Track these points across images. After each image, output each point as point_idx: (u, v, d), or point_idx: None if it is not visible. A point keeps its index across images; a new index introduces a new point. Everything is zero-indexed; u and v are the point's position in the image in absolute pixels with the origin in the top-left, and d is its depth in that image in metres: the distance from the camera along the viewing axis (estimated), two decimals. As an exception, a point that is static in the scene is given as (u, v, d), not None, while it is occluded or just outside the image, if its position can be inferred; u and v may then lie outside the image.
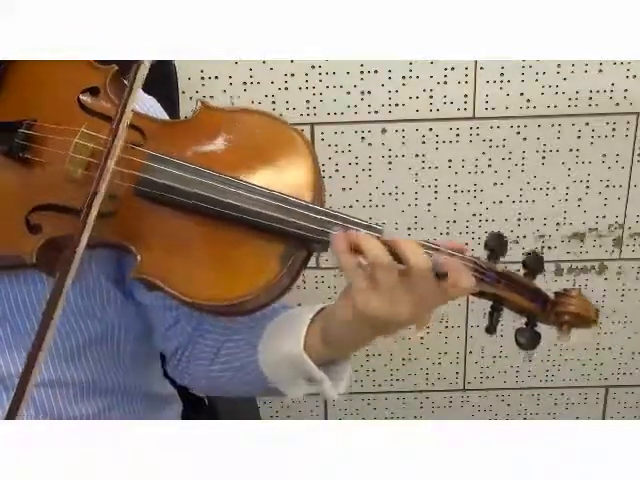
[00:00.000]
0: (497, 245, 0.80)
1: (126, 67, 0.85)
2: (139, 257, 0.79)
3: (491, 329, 0.80)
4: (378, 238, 0.75)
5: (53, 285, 0.73)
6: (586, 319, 0.81)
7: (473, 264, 0.77)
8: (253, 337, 0.89)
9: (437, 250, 0.76)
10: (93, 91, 0.84)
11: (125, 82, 0.87)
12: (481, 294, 0.79)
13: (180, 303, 0.81)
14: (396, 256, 0.75)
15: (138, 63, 0.75)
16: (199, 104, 0.84)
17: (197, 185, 0.78)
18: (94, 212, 0.73)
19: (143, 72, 0.76)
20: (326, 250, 0.79)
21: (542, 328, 0.82)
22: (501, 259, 0.80)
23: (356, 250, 0.75)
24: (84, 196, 0.74)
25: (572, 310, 0.80)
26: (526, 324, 0.82)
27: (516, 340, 0.81)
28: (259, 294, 0.78)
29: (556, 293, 0.82)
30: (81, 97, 0.83)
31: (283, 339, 0.84)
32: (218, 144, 0.83)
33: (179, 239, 0.80)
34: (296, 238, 0.77)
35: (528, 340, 0.81)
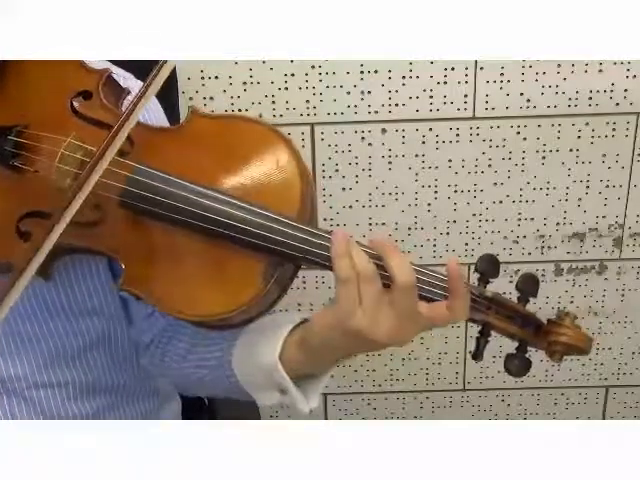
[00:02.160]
0: (487, 268, 0.79)
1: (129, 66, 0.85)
2: (124, 268, 0.79)
3: (477, 355, 0.79)
4: (367, 249, 0.74)
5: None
6: (578, 349, 0.79)
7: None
8: (230, 338, 0.88)
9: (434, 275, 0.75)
10: (86, 95, 0.82)
11: (119, 84, 0.86)
12: (470, 319, 0.78)
13: (166, 315, 0.81)
14: (383, 269, 0.73)
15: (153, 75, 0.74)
16: (189, 111, 0.82)
17: (182, 199, 0.76)
18: (68, 216, 0.72)
19: (156, 86, 0.74)
20: (313, 265, 0.78)
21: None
22: (492, 281, 0.78)
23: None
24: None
25: (564, 341, 0.78)
26: (517, 349, 0.80)
27: (505, 366, 0.79)
28: (245, 309, 0.77)
29: (549, 321, 0.80)
30: (73, 102, 0.82)
31: (259, 346, 0.83)
32: (206, 155, 0.81)
33: (164, 252, 0.79)
34: (281, 254, 0.76)
35: (517, 368, 0.79)
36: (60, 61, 0.82)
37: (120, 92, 0.85)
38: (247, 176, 0.79)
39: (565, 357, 0.80)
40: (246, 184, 0.79)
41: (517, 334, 0.79)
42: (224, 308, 0.77)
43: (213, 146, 0.81)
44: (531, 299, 0.81)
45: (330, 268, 0.75)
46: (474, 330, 1.67)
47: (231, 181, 0.79)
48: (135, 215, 0.78)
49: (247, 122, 0.83)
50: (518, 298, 0.80)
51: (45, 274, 0.80)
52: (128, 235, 0.79)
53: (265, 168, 0.79)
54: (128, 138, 0.79)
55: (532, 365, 0.80)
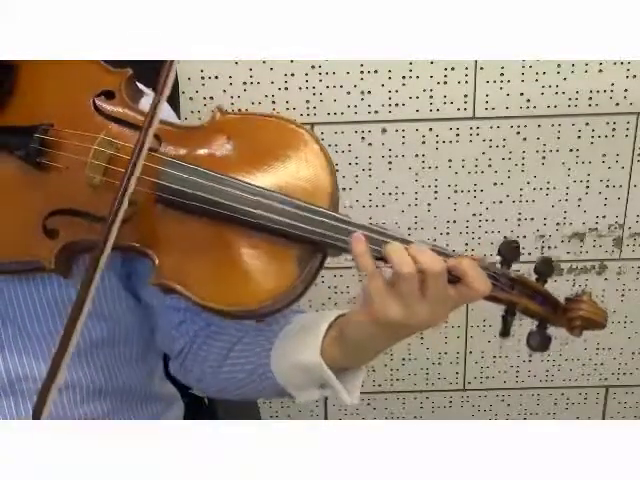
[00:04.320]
0: (509, 252, 0.82)
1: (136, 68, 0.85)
2: (157, 262, 0.79)
3: (505, 333, 0.83)
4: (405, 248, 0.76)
5: (77, 293, 0.72)
6: (596, 323, 0.84)
7: (487, 270, 0.78)
8: (265, 341, 0.88)
9: (451, 256, 0.77)
10: (108, 95, 0.84)
11: (139, 86, 0.87)
12: (495, 299, 0.81)
13: (199, 308, 0.81)
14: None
15: (167, 70, 0.74)
16: (215, 110, 0.84)
17: (214, 191, 0.78)
18: (118, 220, 0.73)
19: (171, 78, 0.75)
20: (340, 254, 0.80)
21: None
22: (513, 265, 0.82)
23: (382, 258, 0.76)
24: (101, 201, 0.75)
25: (583, 315, 0.83)
26: (537, 327, 0.84)
27: (528, 343, 0.84)
28: (278, 299, 0.78)
29: (567, 299, 0.84)
30: (96, 101, 0.83)
31: (300, 346, 0.84)
32: (234, 150, 0.82)
33: (197, 244, 0.80)
34: (312, 243, 0.78)
35: (539, 343, 0.84)
36: (81, 61, 0.83)
37: (138, 92, 0.87)
38: (275, 171, 0.81)
39: (585, 331, 0.84)
40: (275, 178, 0.80)
41: (539, 312, 0.83)
42: (260, 297, 0.78)
43: (240, 142, 0.83)
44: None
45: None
46: (474, 330, 1.67)
47: (259, 175, 0.80)
48: (167, 209, 0.79)
49: (272, 119, 0.85)
50: (536, 279, 0.84)
51: (66, 272, 0.82)
52: (160, 229, 0.80)
53: (293, 163, 0.81)
54: (155, 135, 0.80)
55: (552, 340, 0.84)
